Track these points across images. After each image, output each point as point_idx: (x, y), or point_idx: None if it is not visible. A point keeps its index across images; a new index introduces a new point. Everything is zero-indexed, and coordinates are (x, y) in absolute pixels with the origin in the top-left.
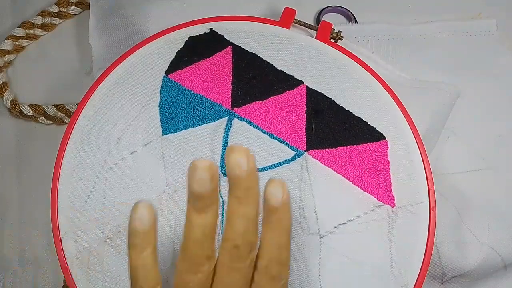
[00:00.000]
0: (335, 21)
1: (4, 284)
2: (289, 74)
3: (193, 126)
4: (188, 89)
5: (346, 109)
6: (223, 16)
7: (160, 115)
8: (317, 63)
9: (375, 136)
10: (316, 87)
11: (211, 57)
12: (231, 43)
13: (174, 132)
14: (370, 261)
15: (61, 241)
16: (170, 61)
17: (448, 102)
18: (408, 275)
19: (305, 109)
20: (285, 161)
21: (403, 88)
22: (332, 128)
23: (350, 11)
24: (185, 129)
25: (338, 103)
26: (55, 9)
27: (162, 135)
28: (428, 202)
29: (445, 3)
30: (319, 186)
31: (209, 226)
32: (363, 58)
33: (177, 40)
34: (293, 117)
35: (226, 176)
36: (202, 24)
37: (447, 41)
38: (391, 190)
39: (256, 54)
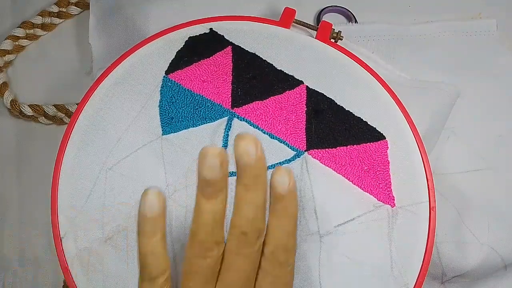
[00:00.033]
0: (335, 21)
1: (4, 284)
2: (289, 74)
3: (193, 126)
4: (188, 89)
5: (346, 109)
6: (223, 16)
7: (160, 115)
8: (317, 63)
9: (375, 136)
10: (316, 87)
11: (211, 57)
12: (231, 43)
13: (174, 132)
14: (370, 261)
15: (61, 241)
16: (170, 61)
17: (448, 102)
18: (408, 275)
19: (305, 109)
20: (285, 161)
21: (403, 88)
22: (332, 128)
23: (350, 11)
24: (185, 129)
25: (338, 103)
26: (55, 9)
27: (162, 135)
28: (428, 202)
29: (445, 3)
30: (319, 186)
31: (218, 212)
32: (363, 58)
33: (177, 40)
34: (293, 117)
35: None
36: (202, 24)
37: (447, 41)
38: (391, 190)
39: (256, 54)
